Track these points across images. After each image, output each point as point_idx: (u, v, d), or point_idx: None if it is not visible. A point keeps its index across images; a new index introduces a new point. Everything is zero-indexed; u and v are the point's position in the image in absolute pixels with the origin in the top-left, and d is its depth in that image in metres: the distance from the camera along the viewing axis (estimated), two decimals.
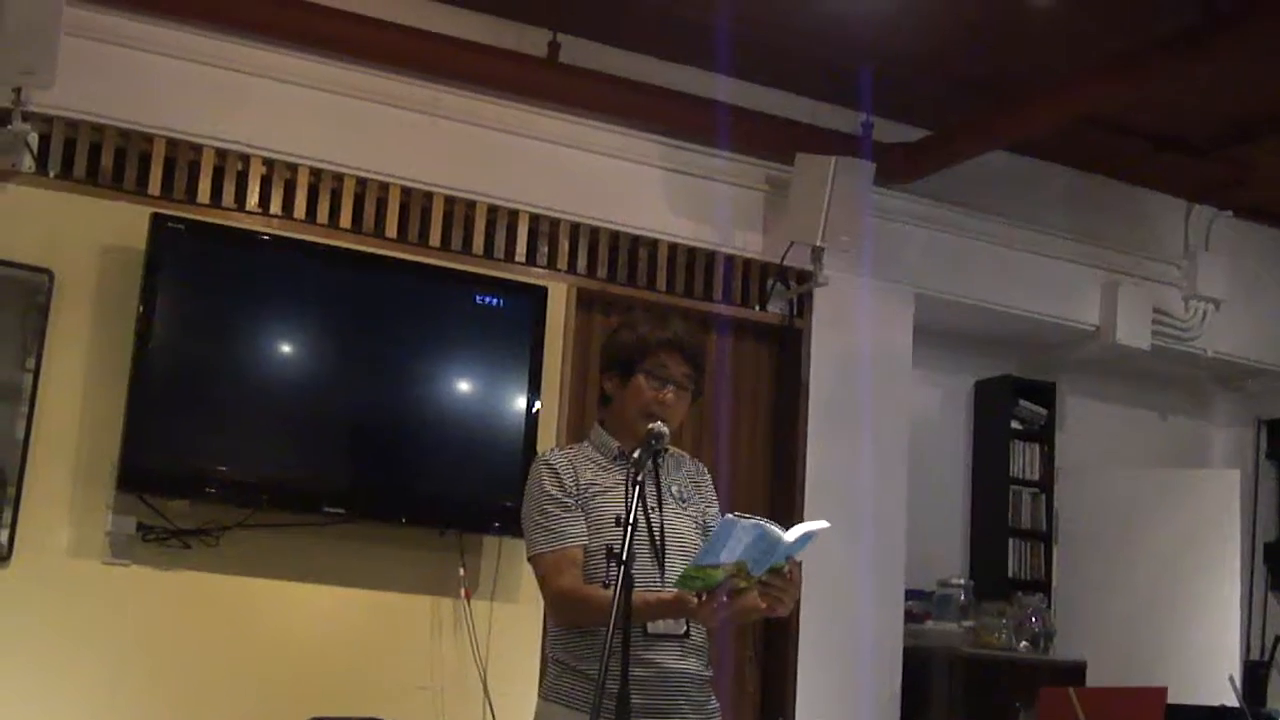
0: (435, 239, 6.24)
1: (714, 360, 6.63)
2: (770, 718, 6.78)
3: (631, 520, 3.11)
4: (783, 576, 3.22)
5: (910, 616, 7.26)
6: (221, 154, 5.88)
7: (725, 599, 3.17)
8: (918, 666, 7.06)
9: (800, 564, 3.28)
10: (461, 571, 5.92)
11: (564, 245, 6.53)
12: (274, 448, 5.72)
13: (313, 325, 5.88)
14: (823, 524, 3.22)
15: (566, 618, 3.51)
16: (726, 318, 6.88)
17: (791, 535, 3.12)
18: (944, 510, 8.13)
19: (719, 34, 6.30)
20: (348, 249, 5.99)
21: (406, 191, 6.21)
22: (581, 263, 6.57)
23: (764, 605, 3.21)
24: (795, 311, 7.06)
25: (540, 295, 6.25)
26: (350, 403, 5.88)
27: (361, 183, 6.13)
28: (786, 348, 7.10)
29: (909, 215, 7.34)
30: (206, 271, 5.67)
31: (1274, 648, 8.13)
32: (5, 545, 5.28)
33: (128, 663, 5.43)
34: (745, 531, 3.06)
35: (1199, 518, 8.09)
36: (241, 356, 5.70)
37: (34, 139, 5.52)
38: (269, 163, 5.97)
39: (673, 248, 6.78)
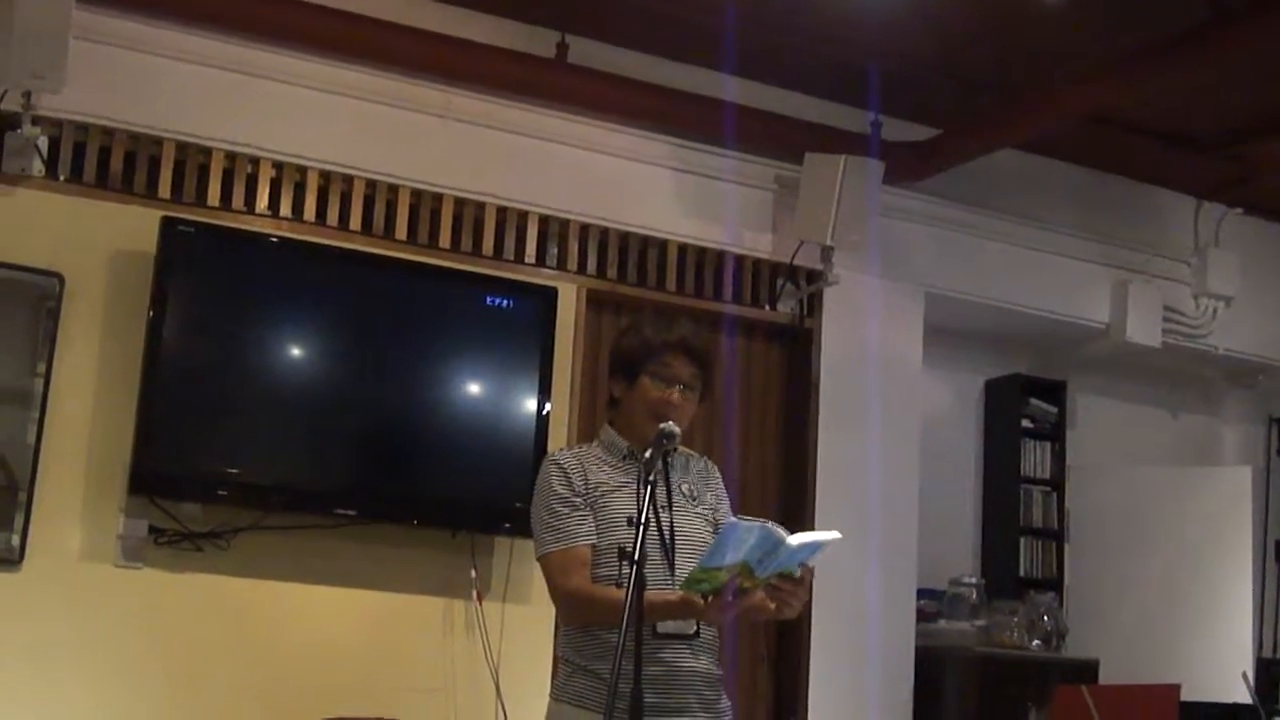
0: (445, 241, 6.24)
1: (724, 360, 6.63)
2: (782, 717, 6.77)
3: (642, 520, 3.12)
4: (792, 579, 3.23)
5: (922, 616, 7.25)
6: (231, 157, 5.89)
7: (731, 599, 3.19)
8: (930, 666, 7.05)
9: (812, 568, 3.29)
10: (473, 573, 5.92)
11: (573, 246, 6.53)
12: (285, 450, 5.73)
13: (323, 327, 5.88)
14: (834, 534, 3.23)
15: (574, 617, 3.53)
16: (736, 317, 6.87)
17: (797, 539, 3.13)
18: (955, 509, 8.12)
19: (727, 34, 6.29)
20: (358, 251, 5.99)
21: (416, 193, 6.21)
22: (591, 264, 6.57)
23: (772, 606, 3.23)
24: (805, 311, 7.05)
25: (550, 296, 6.25)
26: (361, 405, 5.89)
27: (371, 185, 6.13)
28: (796, 347, 7.10)
29: (918, 214, 7.33)
30: (217, 274, 5.68)
31: None
32: (17, 549, 5.29)
33: (140, 665, 5.44)
34: (748, 533, 3.08)
35: (1211, 515, 8.09)
36: (252, 359, 5.70)
37: (44, 143, 5.54)
38: (278, 165, 5.97)
39: (682, 248, 6.78)
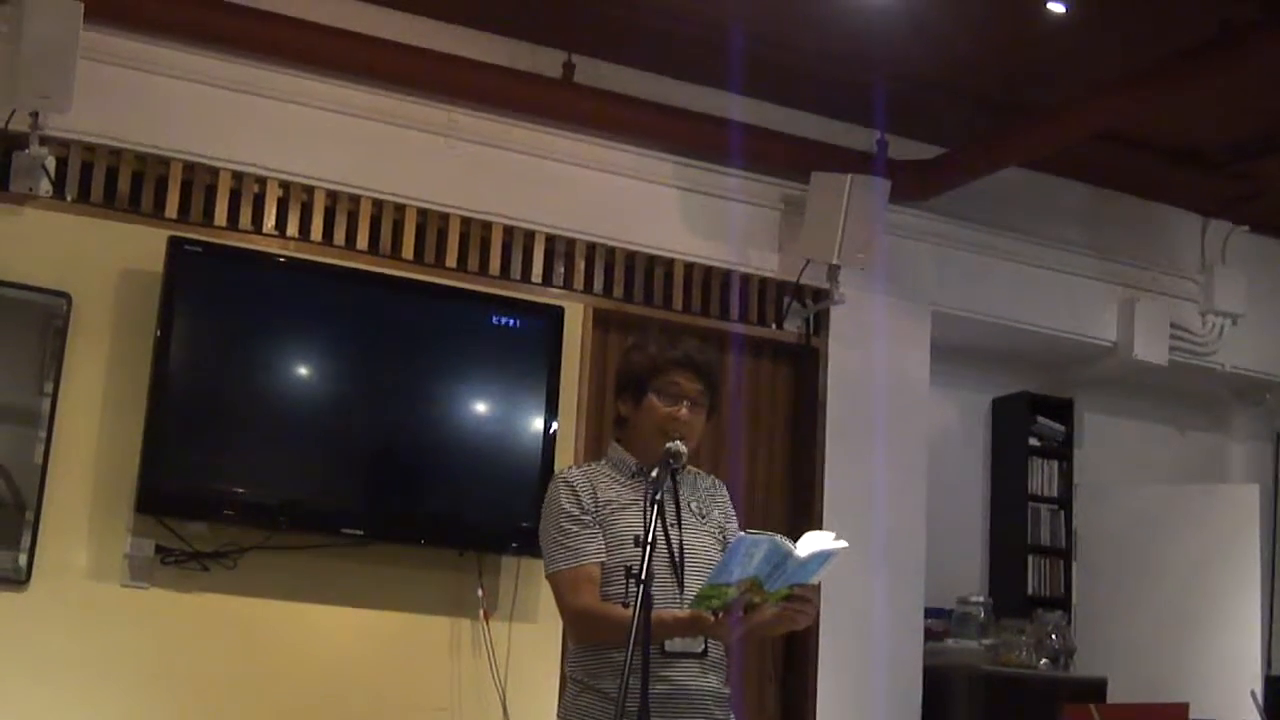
0: (451, 260, 6.24)
1: (730, 379, 6.63)
2: None
3: (650, 539, 3.12)
4: (800, 593, 3.23)
5: (930, 634, 7.24)
6: (238, 176, 5.89)
7: (740, 614, 3.18)
8: (938, 685, 7.04)
9: (819, 583, 3.29)
10: (480, 592, 5.91)
11: (580, 265, 6.53)
12: (292, 470, 5.72)
13: (330, 347, 5.88)
14: (841, 544, 3.23)
15: (584, 636, 3.52)
16: (743, 336, 6.87)
17: (803, 550, 3.13)
18: (963, 528, 8.11)
19: (733, 53, 6.30)
20: (364, 271, 6.00)
21: (423, 213, 6.22)
22: (598, 283, 6.57)
23: (781, 619, 3.23)
24: (812, 330, 7.05)
25: (557, 315, 6.25)
26: (368, 424, 5.89)
27: (378, 204, 6.14)
28: (803, 366, 7.09)
29: (925, 232, 7.34)
30: (224, 294, 5.68)
31: None
32: (24, 568, 5.29)
33: (146, 685, 5.43)
34: (756, 547, 3.09)
35: (1219, 533, 8.07)
36: (259, 379, 5.70)
37: (51, 163, 5.55)
38: (285, 185, 5.98)
39: (689, 267, 6.78)
